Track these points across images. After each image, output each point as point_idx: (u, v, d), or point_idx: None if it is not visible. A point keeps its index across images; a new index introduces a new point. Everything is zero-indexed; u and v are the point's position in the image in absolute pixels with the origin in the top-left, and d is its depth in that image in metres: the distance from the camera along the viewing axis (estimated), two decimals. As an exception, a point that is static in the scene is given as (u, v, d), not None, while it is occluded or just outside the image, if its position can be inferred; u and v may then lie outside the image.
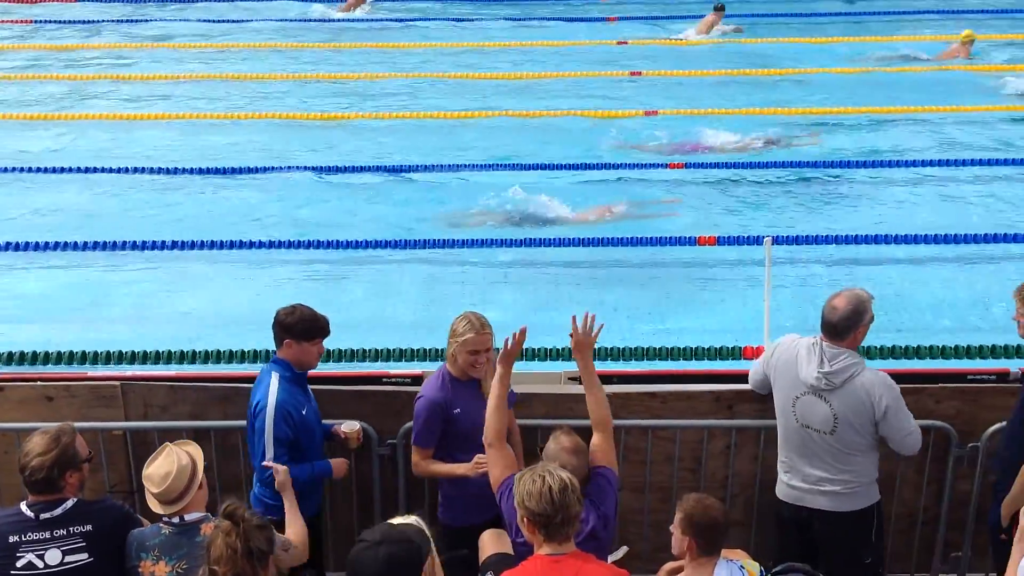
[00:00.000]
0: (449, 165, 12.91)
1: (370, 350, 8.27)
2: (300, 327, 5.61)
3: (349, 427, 5.89)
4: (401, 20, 20.62)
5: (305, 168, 12.88)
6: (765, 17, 19.91)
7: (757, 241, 10.05)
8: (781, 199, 12.23)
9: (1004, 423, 5.78)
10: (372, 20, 20.69)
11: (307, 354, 5.66)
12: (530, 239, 10.88)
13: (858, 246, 10.64)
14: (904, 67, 16.89)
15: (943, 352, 8.29)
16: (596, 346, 8.74)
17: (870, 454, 5.56)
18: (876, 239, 10.63)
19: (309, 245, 10.73)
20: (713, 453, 6.21)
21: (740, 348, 8.56)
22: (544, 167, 12.82)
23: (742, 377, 6.59)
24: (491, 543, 5.28)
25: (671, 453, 6.20)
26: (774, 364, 5.70)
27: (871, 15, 20.45)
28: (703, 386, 6.33)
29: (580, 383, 6.59)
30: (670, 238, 10.86)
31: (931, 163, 12.74)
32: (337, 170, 12.86)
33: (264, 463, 5.49)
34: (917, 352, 8.20)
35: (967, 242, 10.63)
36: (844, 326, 5.42)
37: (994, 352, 8.26)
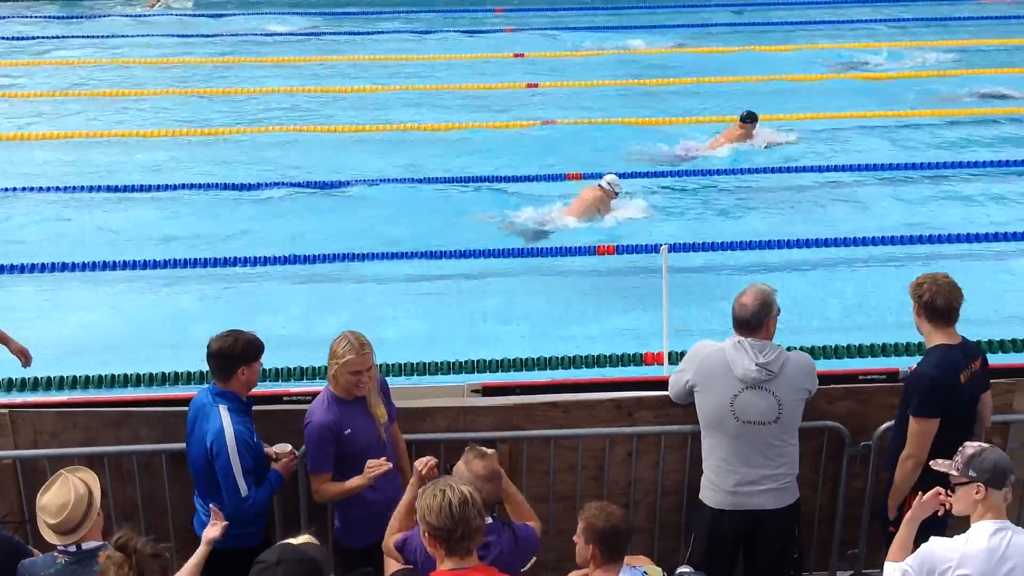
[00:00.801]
0: (344, 181, 12.88)
1: (270, 369, 8.19)
2: (251, 351, 5.55)
3: (281, 448, 5.85)
4: (298, 35, 20.48)
5: (183, 186, 12.69)
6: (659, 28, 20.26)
7: (655, 249, 10.18)
8: (680, 207, 12.42)
9: (893, 421, 5.93)
10: (264, 35, 20.47)
11: (255, 373, 5.62)
12: (425, 251, 10.87)
13: (751, 251, 10.85)
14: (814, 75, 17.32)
15: (836, 352, 8.51)
16: (498, 357, 8.86)
17: (797, 439, 5.74)
18: (768, 244, 10.86)
19: (196, 263, 10.61)
20: (615, 460, 6.26)
21: (641, 355, 8.69)
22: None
23: (641, 384, 6.70)
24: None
25: (573, 462, 6.23)
26: (696, 371, 5.77)
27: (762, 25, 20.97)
28: (603, 394, 6.39)
29: (483, 395, 6.66)
30: (569, 248, 10.95)
31: (816, 169, 13.05)
32: (226, 187, 12.72)
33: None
34: (811, 353, 8.37)
35: (855, 245, 10.94)
36: (757, 320, 5.61)
37: (884, 351, 8.52)
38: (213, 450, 5.43)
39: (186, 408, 5.77)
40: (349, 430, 5.51)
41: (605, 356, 8.75)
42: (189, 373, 8.50)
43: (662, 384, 6.26)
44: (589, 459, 6.24)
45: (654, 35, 19.74)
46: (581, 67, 17.93)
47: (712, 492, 5.80)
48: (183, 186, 12.63)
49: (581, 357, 8.82)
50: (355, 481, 5.49)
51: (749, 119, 13.78)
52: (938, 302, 5.53)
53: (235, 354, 5.50)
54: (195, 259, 10.65)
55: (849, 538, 6.45)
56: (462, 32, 20.38)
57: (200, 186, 12.67)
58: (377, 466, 5.39)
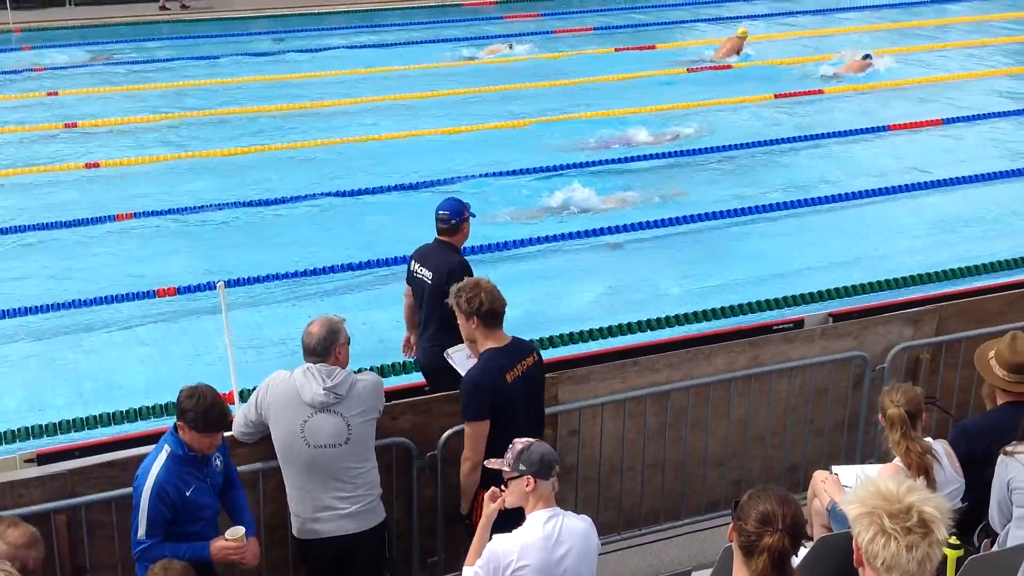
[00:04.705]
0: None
1: None
2: (192, 416, 5.27)
3: (232, 533, 5.37)
4: None
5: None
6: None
7: (213, 287, 9.98)
8: (235, 240, 12.24)
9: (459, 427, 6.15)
10: None
11: (198, 442, 5.33)
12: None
13: (307, 277, 10.90)
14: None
15: (393, 369, 8.72)
16: (55, 420, 8.28)
17: (374, 461, 5.83)
18: (326, 270, 10.98)
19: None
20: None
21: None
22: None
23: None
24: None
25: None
26: (269, 401, 5.73)
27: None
28: (165, 445, 6.12)
29: (38, 463, 6.18)
30: (127, 294, 10.50)
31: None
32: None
33: None
34: (381, 371, 8.55)
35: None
36: (323, 347, 5.69)
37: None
38: (135, 484, 5.31)
39: None
40: None
41: (173, 403, 8.42)
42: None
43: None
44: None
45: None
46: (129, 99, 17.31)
47: (297, 522, 5.80)
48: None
49: (148, 408, 8.46)
50: None
51: None
52: (484, 307, 5.80)
53: (181, 408, 5.33)
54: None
55: (428, 546, 6.64)
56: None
57: None
58: None
